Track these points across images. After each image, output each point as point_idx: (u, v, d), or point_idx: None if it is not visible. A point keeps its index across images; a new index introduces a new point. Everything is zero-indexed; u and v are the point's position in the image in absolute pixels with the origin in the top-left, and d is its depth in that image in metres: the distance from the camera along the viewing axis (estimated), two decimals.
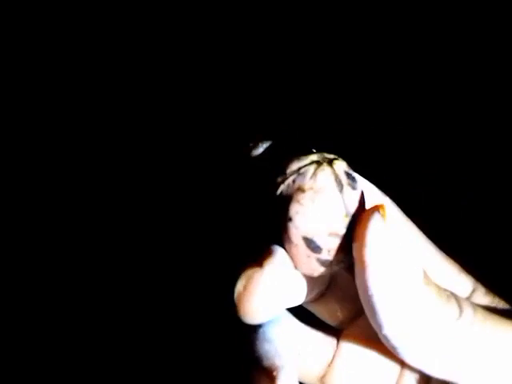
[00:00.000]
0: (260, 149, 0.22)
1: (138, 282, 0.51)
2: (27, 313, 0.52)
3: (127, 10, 0.51)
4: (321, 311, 0.23)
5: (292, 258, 0.20)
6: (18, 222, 0.53)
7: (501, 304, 0.22)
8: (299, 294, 0.21)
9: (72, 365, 0.51)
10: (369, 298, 0.18)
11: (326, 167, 0.19)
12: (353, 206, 0.19)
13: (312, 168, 0.19)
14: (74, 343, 0.51)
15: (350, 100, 0.48)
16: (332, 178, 0.19)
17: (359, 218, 0.18)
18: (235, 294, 0.20)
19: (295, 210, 0.18)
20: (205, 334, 0.49)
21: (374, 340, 0.22)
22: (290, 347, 0.22)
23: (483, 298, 0.22)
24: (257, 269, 0.19)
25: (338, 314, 0.23)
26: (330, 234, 0.19)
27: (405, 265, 0.18)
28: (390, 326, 0.18)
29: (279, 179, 0.19)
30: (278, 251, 0.20)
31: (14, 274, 0.52)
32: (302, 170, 0.19)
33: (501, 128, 0.45)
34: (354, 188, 0.19)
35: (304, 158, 0.19)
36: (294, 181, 0.19)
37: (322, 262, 0.19)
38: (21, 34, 0.51)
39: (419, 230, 0.23)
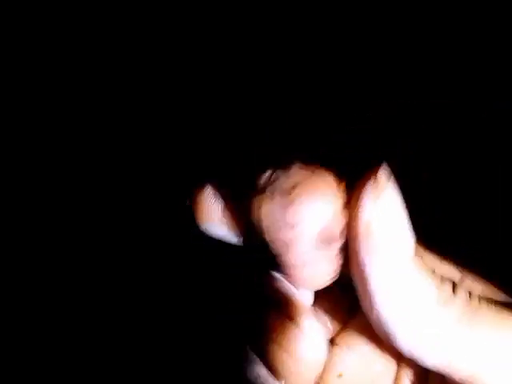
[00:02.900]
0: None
1: (138, 283, 0.51)
2: (27, 313, 0.52)
3: (127, 10, 0.51)
4: None
5: (305, 268, 0.18)
6: (18, 222, 0.53)
7: (491, 291, 0.21)
8: None
9: (72, 365, 0.51)
10: (360, 272, 0.17)
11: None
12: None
13: (279, 171, 0.18)
14: (74, 343, 0.51)
15: (346, 101, 0.49)
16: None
17: (354, 187, 0.18)
18: None
19: (298, 207, 0.17)
20: (204, 335, 0.49)
21: (367, 341, 0.22)
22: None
23: (472, 286, 0.21)
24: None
25: (328, 325, 0.22)
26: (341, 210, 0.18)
27: (396, 236, 0.17)
28: (381, 304, 0.17)
29: (258, 198, 0.18)
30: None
31: (14, 273, 0.52)
32: (272, 179, 0.18)
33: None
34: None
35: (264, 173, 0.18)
36: (272, 192, 0.17)
37: (341, 250, 0.18)
38: (21, 34, 0.52)
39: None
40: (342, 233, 0.18)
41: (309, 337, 0.19)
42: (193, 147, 0.48)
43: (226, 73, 0.50)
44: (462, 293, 0.18)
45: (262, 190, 0.18)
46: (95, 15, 0.51)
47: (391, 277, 0.17)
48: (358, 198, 0.17)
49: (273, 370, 0.19)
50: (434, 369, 0.18)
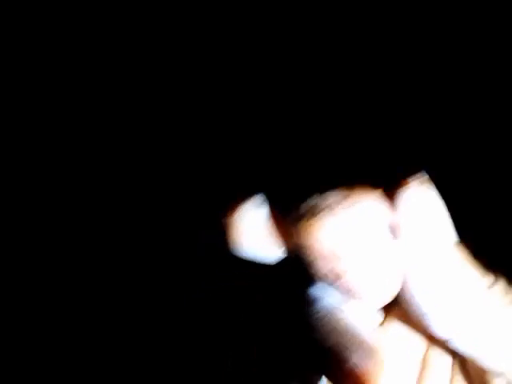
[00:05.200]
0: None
1: (137, 283, 0.51)
2: (27, 313, 0.52)
3: (127, 11, 0.51)
4: None
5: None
6: (19, 222, 0.52)
7: None
8: None
9: (72, 365, 0.51)
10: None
11: None
12: None
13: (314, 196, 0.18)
14: (74, 343, 0.51)
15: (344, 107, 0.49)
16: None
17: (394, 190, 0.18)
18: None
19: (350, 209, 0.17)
20: (205, 335, 0.49)
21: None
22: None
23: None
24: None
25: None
26: None
27: (437, 225, 0.18)
28: (421, 287, 0.18)
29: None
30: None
31: (14, 273, 0.52)
32: (314, 202, 0.18)
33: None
34: None
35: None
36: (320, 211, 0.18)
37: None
38: (21, 34, 0.52)
39: None
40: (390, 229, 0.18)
41: None
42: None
43: (227, 75, 0.50)
44: (501, 281, 0.18)
45: (311, 211, 0.18)
46: (95, 15, 0.51)
47: (435, 264, 0.18)
48: (400, 197, 0.18)
49: None
50: (464, 350, 0.18)
